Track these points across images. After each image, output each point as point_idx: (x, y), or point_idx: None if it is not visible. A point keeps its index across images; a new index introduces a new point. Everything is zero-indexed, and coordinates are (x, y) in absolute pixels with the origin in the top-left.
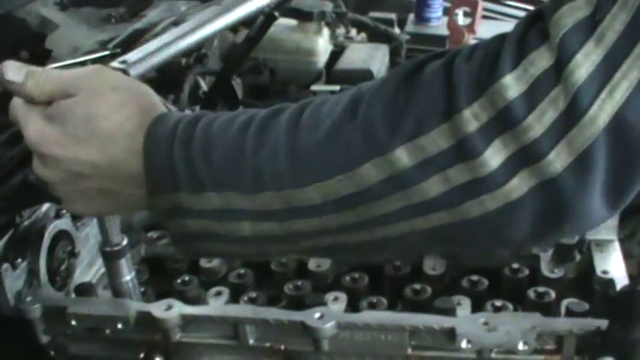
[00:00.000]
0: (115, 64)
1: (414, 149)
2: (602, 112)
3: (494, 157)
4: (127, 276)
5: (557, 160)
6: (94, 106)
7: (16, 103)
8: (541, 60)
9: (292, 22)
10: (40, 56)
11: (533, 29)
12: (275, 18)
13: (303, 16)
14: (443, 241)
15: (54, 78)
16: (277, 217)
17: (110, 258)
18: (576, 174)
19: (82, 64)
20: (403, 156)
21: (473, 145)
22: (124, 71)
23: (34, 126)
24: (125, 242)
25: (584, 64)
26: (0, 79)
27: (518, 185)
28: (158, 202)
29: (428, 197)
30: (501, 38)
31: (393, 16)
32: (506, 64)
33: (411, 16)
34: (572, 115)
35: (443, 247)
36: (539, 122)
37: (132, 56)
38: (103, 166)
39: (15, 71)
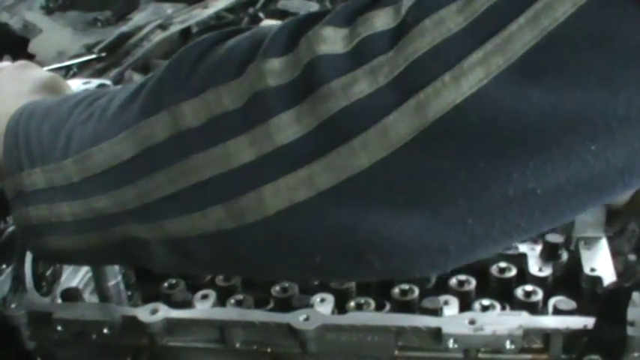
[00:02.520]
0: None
1: (203, 104)
2: (436, 100)
3: (285, 129)
4: (113, 280)
5: (362, 151)
6: None
7: None
8: (378, 21)
9: (278, 23)
10: None
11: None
12: (260, 19)
13: (289, 17)
14: (227, 257)
15: None
16: (82, 192)
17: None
18: (385, 174)
19: (68, 68)
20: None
21: (264, 108)
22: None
23: None
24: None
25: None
26: None
27: (311, 178)
28: (7, 187)
29: (200, 179)
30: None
31: None
32: (333, 21)
33: None
34: (394, 94)
35: (234, 269)
36: (344, 93)
37: None
38: None
39: None
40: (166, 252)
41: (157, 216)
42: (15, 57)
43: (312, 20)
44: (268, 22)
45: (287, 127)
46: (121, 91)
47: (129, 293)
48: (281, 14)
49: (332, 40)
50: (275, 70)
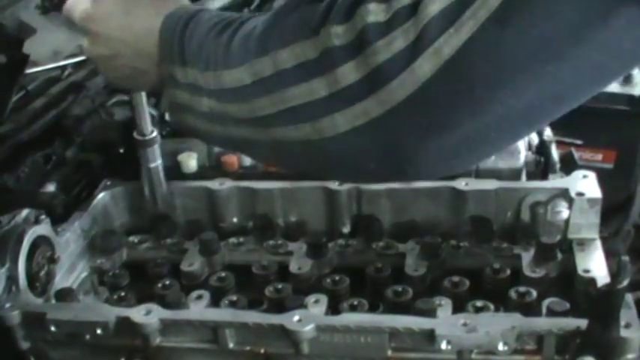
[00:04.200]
0: None
1: (293, 52)
2: (447, 46)
3: (346, 75)
4: (158, 161)
5: (400, 87)
6: None
7: None
8: None
9: None
10: (18, 61)
11: None
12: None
13: None
14: (307, 157)
15: None
16: (214, 98)
17: (143, 145)
18: (415, 106)
19: (63, 67)
20: (285, 56)
21: (330, 60)
22: None
23: (81, 6)
24: (154, 134)
25: (438, 1)
26: None
27: (365, 109)
28: (162, 71)
29: (295, 104)
30: None
31: None
32: None
33: None
34: (418, 45)
35: (308, 165)
36: (387, 48)
37: None
38: (131, 43)
39: None
40: (267, 149)
41: (265, 125)
42: (10, 57)
43: None
44: None
45: (348, 74)
46: (241, 25)
47: (122, 294)
48: None
49: (375, 13)
50: (338, 33)
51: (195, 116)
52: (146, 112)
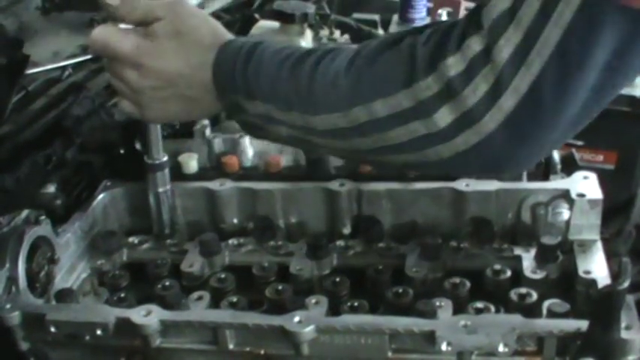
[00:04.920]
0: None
1: (387, 104)
2: (523, 82)
3: (442, 119)
4: (167, 186)
5: (491, 121)
6: (180, 26)
7: (109, 29)
8: (476, 45)
9: (275, 24)
10: (19, 61)
11: (472, 20)
12: (255, 20)
13: (285, 18)
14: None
15: (143, 4)
16: (302, 131)
17: (153, 169)
18: (505, 130)
19: (64, 68)
20: (379, 107)
21: (426, 109)
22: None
23: (131, 42)
24: (165, 158)
25: (507, 46)
26: (100, 3)
27: (464, 140)
28: (224, 102)
29: (396, 142)
30: (452, 25)
31: (376, 17)
32: (452, 47)
33: (395, 17)
34: (499, 86)
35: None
36: (474, 93)
37: None
38: (186, 74)
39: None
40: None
41: (356, 154)
42: (10, 58)
43: (440, 48)
44: (264, 23)
45: (444, 118)
46: (318, 63)
47: (122, 295)
48: (277, 15)
49: (455, 65)
50: (429, 86)
51: (271, 134)
52: (159, 137)
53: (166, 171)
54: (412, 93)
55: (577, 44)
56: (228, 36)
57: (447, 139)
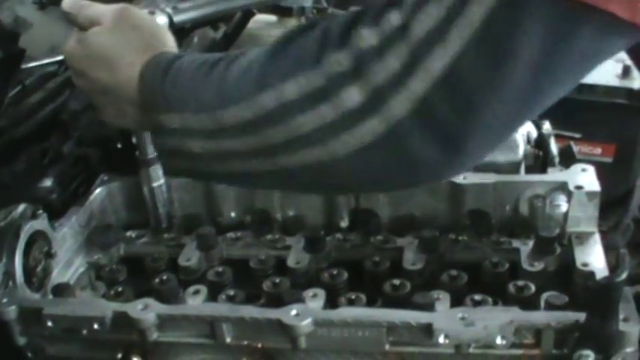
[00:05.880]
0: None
1: (297, 84)
2: (437, 63)
3: (350, 99)
4: (161, 180)
5: (400, 105)
6: (112, 38)
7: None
8: (394, 18)
9: (272, 18)
10: (15, 56)
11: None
12: (252, 14)
13: (282, 11)
14: (316, 177)
15: (91, 9)
16: (214, 138)
17: (146, 164)
18: (416, 120)
19: (60, 63)
20: (289, 88)
21: (335, 87)
22: (170, 17)
23: (69, 44)
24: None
25: (426, 20)
26: (62, 10)
27: (371, 129)
28: (147, 120)
29: (305, 131)
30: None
31: None
32: (368, 20)
33: None
34: (411, 65)
35: (319, 187)
36: (384, 71)
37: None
38: (112, 88)
39: (71, 5)
40: (274, 179)
41: (272, 154)
42: (6, 52)
43: (356, 22)
44: (261, 17)
45: (352, 96)
46: (231, 62)
47: (119, 289)
48: (274, 9)
49: (368, 37)
50: (339, 60)
51: (189, 159)
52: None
53: (159, 165)
54: (322, 69)
55: (501, 28)
56: (162, 49)
57: (354, 125)
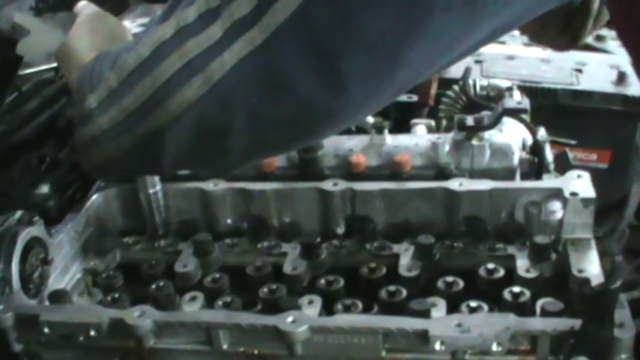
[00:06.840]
0: None
1: (196, 6)
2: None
3: (241, 8)
4: (157, 187)
5: (281, 10)
6: (72, 40)
7: None
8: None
9: None
10: (12, 62)
11: None
12: None
13: None
14: (202, 116)
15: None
16: (116, 97)
17: None
18: (293, 27)
19: (57, 69)
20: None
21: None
22: None
23: (56, 48)
24: None
25: None
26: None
27: (251, 39)
28: (75, 116)
29: (190, 57)
30: None
31: None
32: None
33: None
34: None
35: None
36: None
37: None
38: (74, 89)
39: (77, 7)
40: (177, 133)
41: (164, 96)
42: (3, 58)
43: None
44: None
45: (241, 7)
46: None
47: (116, 296)
48: None
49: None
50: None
51: (100, 146)
52: None
53: None
54: (173, 22)
55: None
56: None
57: (235, 38)
